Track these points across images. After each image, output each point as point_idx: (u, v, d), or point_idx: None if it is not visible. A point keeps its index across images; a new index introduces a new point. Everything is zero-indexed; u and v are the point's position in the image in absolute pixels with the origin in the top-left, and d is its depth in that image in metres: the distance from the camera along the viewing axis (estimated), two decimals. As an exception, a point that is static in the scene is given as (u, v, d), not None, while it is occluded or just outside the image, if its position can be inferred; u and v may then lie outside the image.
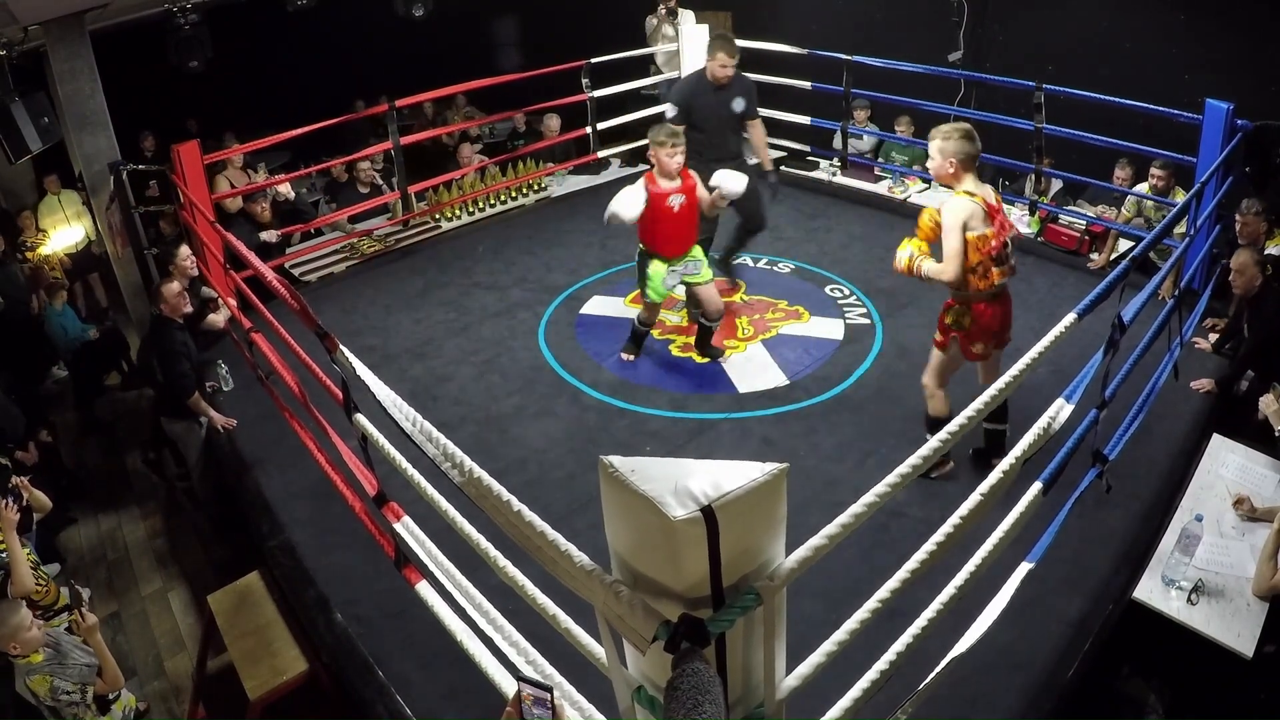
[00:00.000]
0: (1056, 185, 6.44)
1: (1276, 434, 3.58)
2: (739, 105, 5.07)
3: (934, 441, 1.89)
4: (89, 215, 7.37)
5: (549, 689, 1.47)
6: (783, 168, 7.69)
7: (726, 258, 5.59)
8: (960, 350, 3.71)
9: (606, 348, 5.14)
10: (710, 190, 4.47)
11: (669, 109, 5.16)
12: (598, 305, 5.67)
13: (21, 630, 2.84)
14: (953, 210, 3.46)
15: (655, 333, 5.26)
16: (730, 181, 4.46)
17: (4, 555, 3.34)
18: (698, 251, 4.64)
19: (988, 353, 3.72)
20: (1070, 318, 2.49)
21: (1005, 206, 6.22)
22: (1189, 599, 3.07)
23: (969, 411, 2.01)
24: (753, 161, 5.44)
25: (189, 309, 4.54)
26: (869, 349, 4.96)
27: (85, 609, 3.09)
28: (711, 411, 4.52)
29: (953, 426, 1.96)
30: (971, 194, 3.48)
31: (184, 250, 4.93)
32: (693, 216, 4.49)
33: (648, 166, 4.54)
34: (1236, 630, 2.96)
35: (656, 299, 4.64)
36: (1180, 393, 4.27)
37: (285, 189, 6.35)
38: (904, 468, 1.79)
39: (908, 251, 3.65)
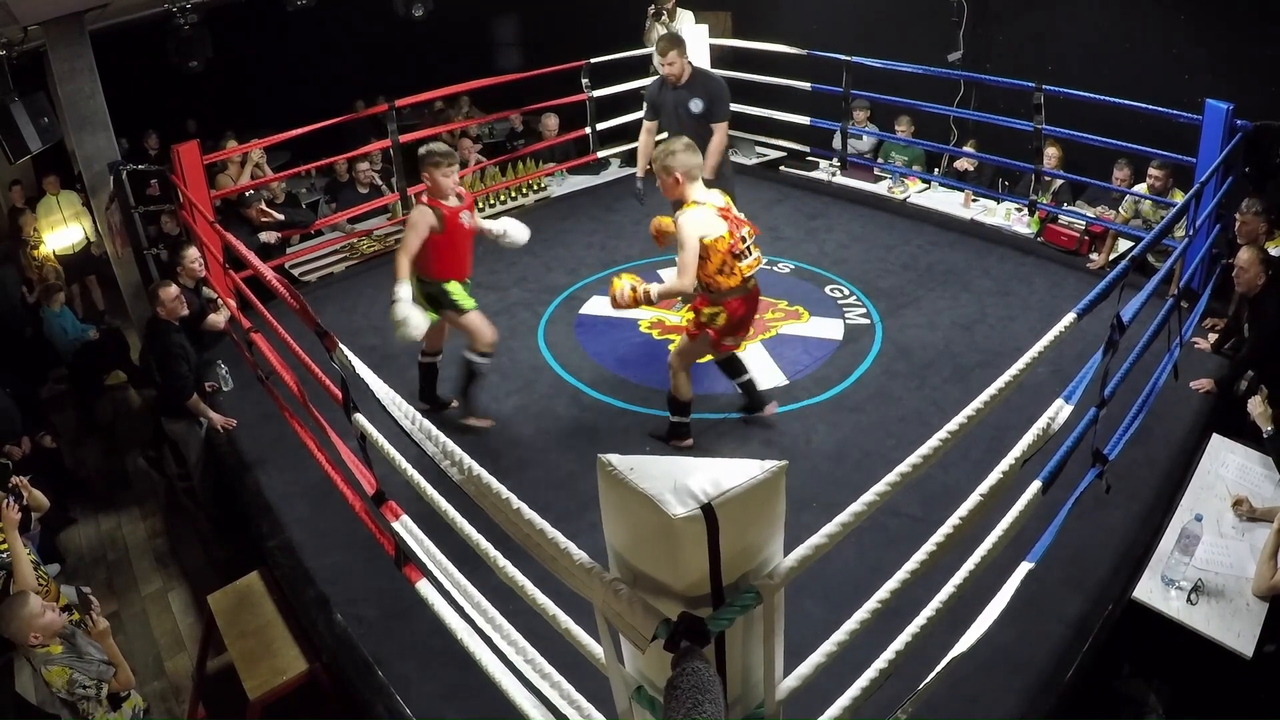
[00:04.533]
0: (1056, 185, 6.45)
1: (1265, 435, 3.60)
2: (696, 106, 4.95)
3: (934, 441, 1.89)
4: (89, 216, 7.39)
5: None
6: (783, 168, 7.71)
7: None
8: (711, 345, 3.96)
9: (606, 348, 5.14)
10: None
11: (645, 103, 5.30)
12: (598, 305, 5.67)
13: (36, 619, 2.84)
14: (687, 223, 3.63)
15: (655, 333, 5.26)
16: (515, 230, 4.43)
17: (6, 555, 3.35)
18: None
19: (739, 344, 4.08)
20: (1070, 317, 2.49)
21: (1004, 206, 6.33)
22: (1189, 599, 3.07)
23: (960, 419, 2.00)
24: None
25: (185, 311, 4.54)
26: (868, 349, 4.96)
27: (95, 613, 3.09)
28: (711, 411, 4.51)
29: (953, 426, 1.96)
30: (699, 202, 3.69)
31: (192, 252, 4.95)
32: (471, 237, 4.25)
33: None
34: (1236, 630, 2.96)
35: (472, 305, 4.26)
36: (1180, 393, 4.27)
37: (276, 205, 6.35)
38: (904, 467, 1.79)
39: (626, 284, 3.74)
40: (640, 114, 7.46)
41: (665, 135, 5.15)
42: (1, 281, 6.30)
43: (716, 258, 3.67)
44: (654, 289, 3.72)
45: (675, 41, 4.97)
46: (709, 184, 4.01)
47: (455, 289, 4.17)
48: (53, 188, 7.35)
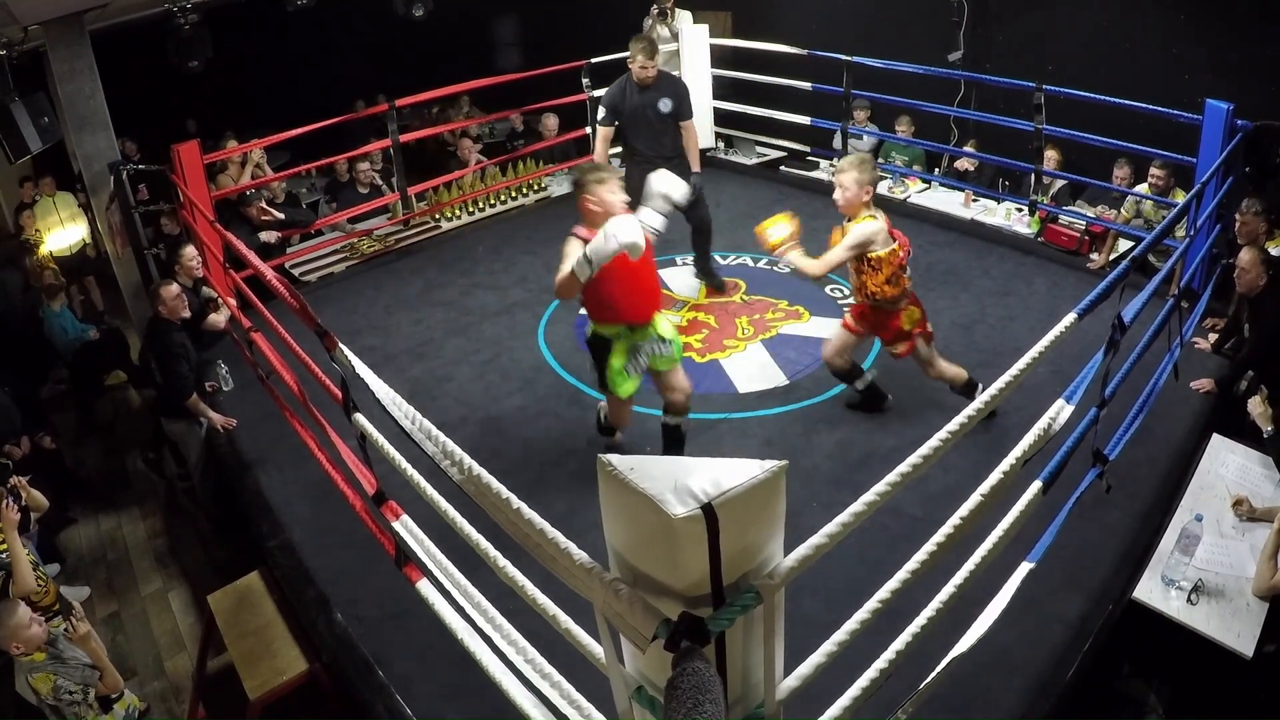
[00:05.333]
0: (1057, 185, 6.46)
1: (1265, 435, 3.59)
2: (666, 106, 5.08)
3: (935, 441, 1.89)
4: (85, 217, 7.39)
5: None
6: (783, 168, 7.71)
7: (705, 267, 5.71)
8: (925, 341, 4.06)
9: (606, 348, 5.13)
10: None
11: (600, 110, 5.23)
12: (598, 305, 5.66)
13: (21, 629, 2.85)
14: (862, 232, 3.75)
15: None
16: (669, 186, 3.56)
17: (5, 555, 3.34)
18: (663, 326, 3.64)
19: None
20: (1070, 318, 2.48)
21: (1005, 206, 6.34)
22: (1189, 599, 3.07)
23: (960, 419, 2.00)
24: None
25: (186, 312, 4.54)
26: (869, 349, 4.95)
27: (76, 619, 3.07)
28: (711, 411, 4.51)
29: (953, 426, 1.96)
30: (874, 216, 3.79)
31: (189, 251, 4.95)
32: (653, 264, 3.57)
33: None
34: (1236, 630, 2.96)
35: (627, 393, 3.61)
36: (1180, 393, 4.27)
37: (276, 204, 6.34)
38: (904, 467, 1.79)
39: (784, 227, 3.77)
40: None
41: (626, 139, 5.22)
42: (3, 284, 6.28)
43: (888, 269, 3.79)
44: (794, 257, 3.77)
45: (655, 46, 5.13)
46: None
47: (618, 358, 3.53)
48: (49, 189, 7.35)
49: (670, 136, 5.17)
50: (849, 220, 3.87)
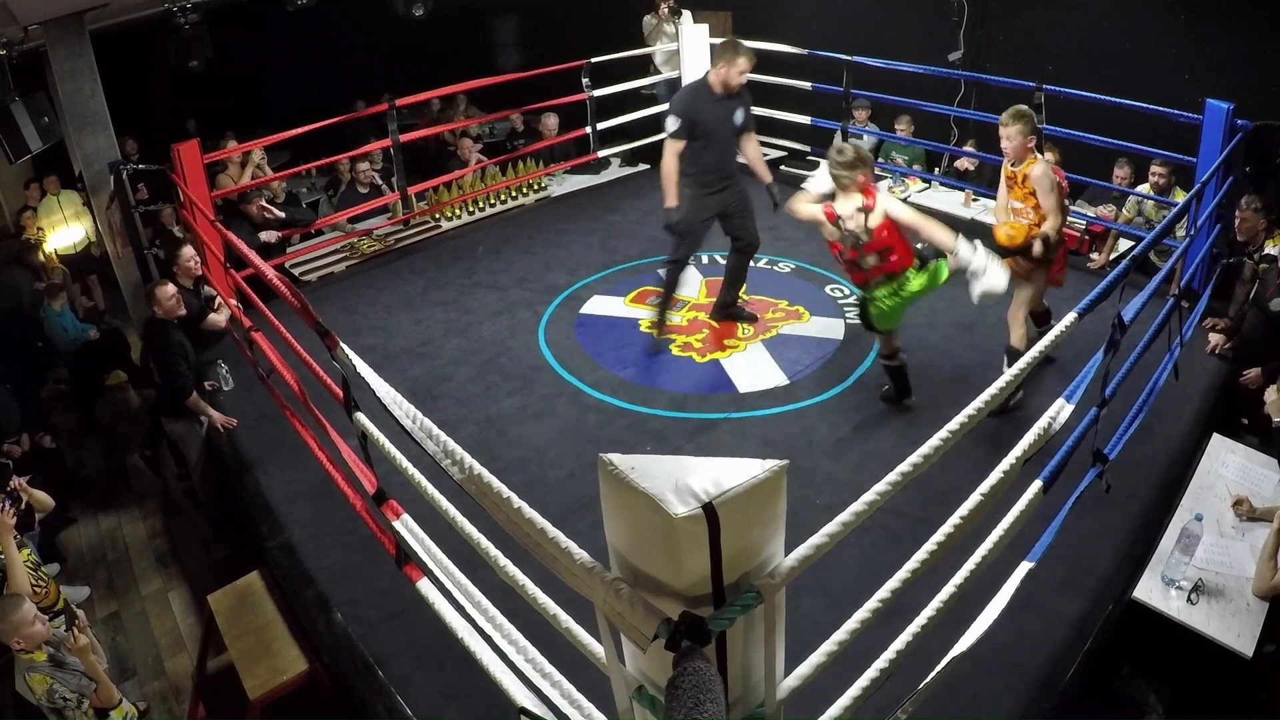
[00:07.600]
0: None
1: (1275, 425, 3.58)
2: (740, 117, 4.65)
3: (935, 441, 1.89)
4: (89, 216, 7.37)
5: None
6: (782, 167, 7.70)
7: (733, 296, 5.26)
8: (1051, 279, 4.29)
9: (606, 347, 5.14)
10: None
11: (670, 121, 4.58)
12: (598, 305, 5.67)
13: (24, 625, 2.84)
14: (1047, 173, 3.96)
15: (655, 333, 5.25)
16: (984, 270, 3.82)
17: (0, 558, 3.34)
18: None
19: None
20: (1071, 317, 2.49)
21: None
22: (1189, 599, 3.07)
23: (960, 419, 2.00)
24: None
25: (183, 311, 4.54)
26: (869, 349, 4.95)
27: (78, 628, 3.05)
28: (711, 411, 4.51)
29: (953, 425, 1.96)
30: (1037, 158, 4.02)
31: (187, 251, 4.95)
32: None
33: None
34: (1236, 630, 2.96)
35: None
36: (1180, 393, 4.27)
37: (277, 204, 6.34)
38: (904, 467, 1.79)
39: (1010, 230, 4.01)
40: (639, 114, 7.50)
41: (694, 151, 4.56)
42: (15, 284, 6.26)
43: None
44: (1048, 228, 3.98)
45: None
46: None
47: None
48: (53, 187, 7.34)
49: (733, 152, 4.68)
50: (1016, 165, 4.05)
